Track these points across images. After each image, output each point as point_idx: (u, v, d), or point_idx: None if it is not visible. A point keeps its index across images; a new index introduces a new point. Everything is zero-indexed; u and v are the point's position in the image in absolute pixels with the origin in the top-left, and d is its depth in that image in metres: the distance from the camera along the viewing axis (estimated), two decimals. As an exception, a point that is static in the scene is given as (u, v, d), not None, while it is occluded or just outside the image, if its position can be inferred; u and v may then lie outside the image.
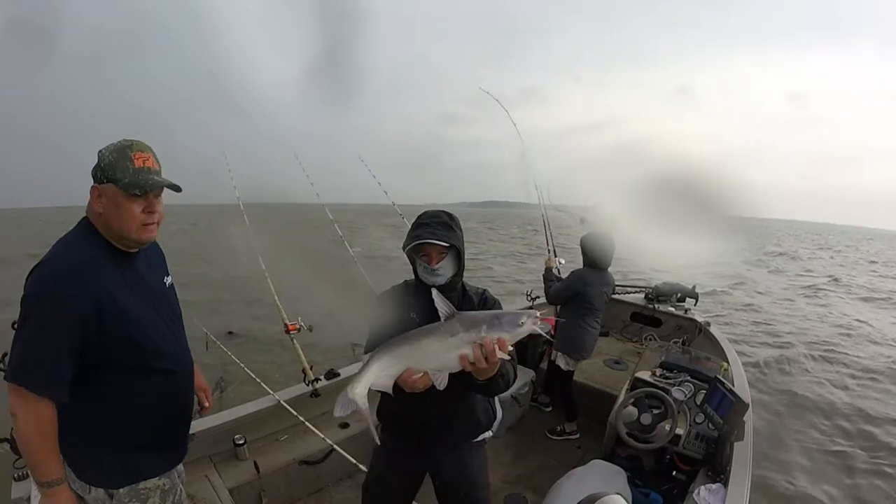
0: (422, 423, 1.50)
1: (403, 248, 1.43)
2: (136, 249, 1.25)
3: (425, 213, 1.47)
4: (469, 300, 1.51)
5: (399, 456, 1.60)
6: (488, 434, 1.62)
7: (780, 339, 7.76)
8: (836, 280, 15.52)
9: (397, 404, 1.51)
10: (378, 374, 1.19)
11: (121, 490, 1.24)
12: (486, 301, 1.53)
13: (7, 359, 1.12)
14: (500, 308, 1.51)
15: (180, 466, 1.41)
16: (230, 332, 6.92)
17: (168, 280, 1.37)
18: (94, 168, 1.16)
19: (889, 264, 23.16)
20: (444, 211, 1.49)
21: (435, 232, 1.39)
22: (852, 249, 32.59)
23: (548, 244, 3.89)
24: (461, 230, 1.47)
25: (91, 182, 1.17)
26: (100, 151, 1.16)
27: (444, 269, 1.42)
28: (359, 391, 1.19)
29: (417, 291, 1.48)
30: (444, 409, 1.47)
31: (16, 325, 1.11)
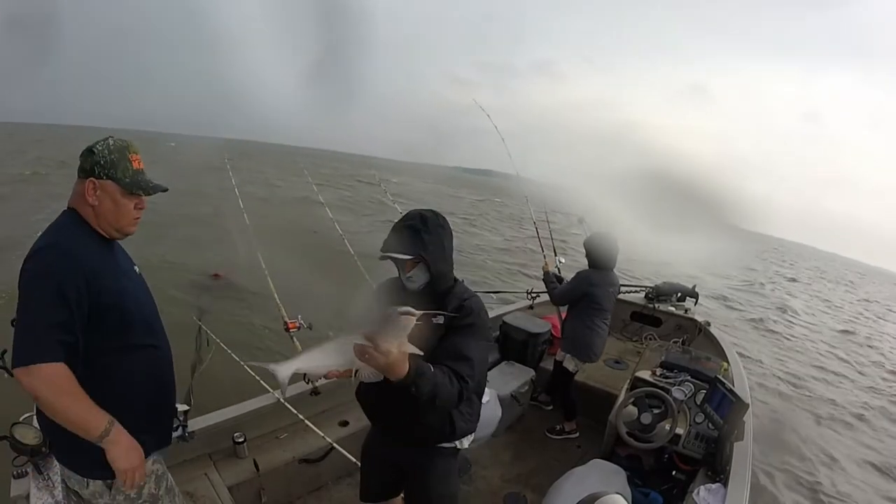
0: (379, 415, 1.56)
1: (380, 253, 1.42)
2: (114, 238, 1.34)
3: (406, 214, 1.45)
4: (444, 308, 1.39)
5: (377, 443, 1.68)
6: (450, 445, 1.54)
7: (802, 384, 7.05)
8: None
9: (357, 392, 1.59)
10: (306, 364, 1.25)
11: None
12: (461, 309, 1.40)
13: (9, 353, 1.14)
14: (479, 319, 1.41)
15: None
16: (215, 275, 6.78)
17: (136, 268, 1.45)
18: (91, 163, 1.23)
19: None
20: (422, 213, 1.42)
21: (401, 242, 1.36)
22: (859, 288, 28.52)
23: (543, 249, 3.78)
24: (439, 232, 1.40)
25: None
26: (94, 148, 1.24)
27: (418, 277, 1.41)
28: (280, 373, 1.24)
29: (400, 290, 1.48)
30: (389, 403, 1.41)
31: (15, 318, 1.13)
